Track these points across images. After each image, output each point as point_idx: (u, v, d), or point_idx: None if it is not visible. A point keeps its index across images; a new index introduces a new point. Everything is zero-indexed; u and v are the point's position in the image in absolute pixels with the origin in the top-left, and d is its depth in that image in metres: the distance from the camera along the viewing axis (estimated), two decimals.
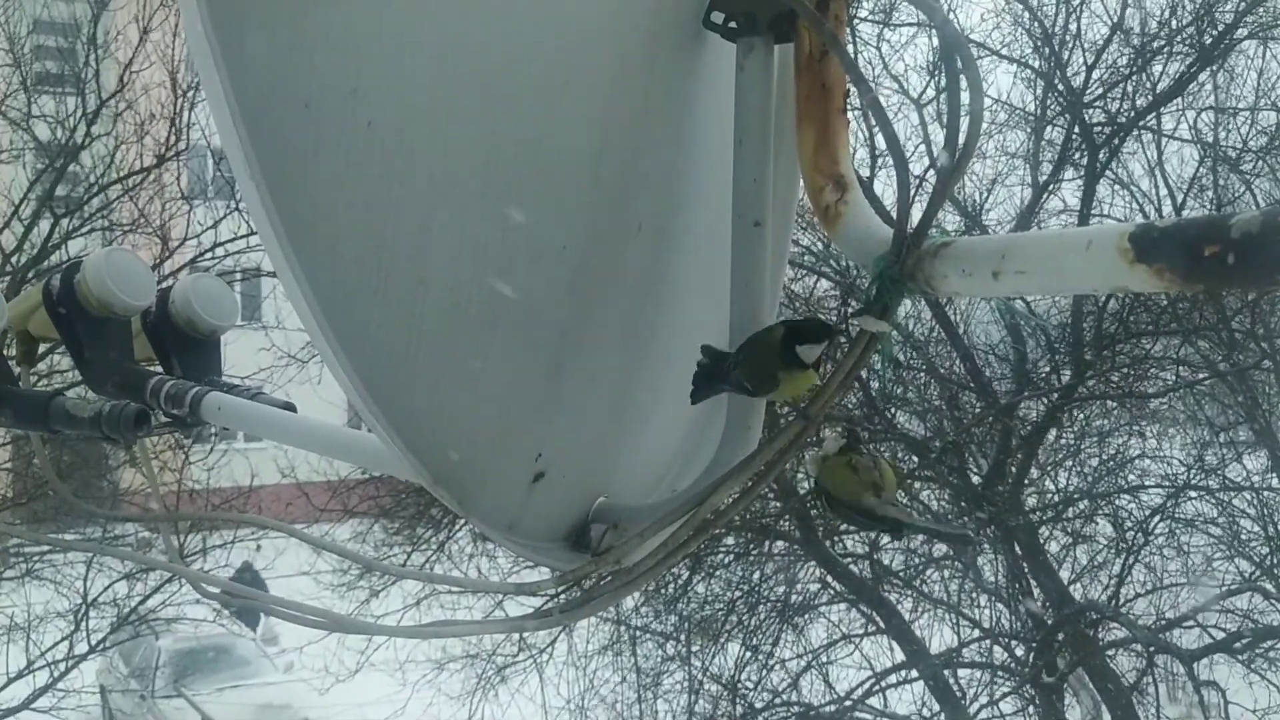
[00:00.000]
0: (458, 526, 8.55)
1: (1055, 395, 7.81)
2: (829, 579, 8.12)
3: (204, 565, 8.42)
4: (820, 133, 1.23)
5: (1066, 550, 8.39)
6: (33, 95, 8.36)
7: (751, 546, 8.37)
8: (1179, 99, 7.94)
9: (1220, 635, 7.68)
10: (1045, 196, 8.20)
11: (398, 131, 1.03)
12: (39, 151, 8.57)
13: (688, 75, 1.32)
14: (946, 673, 7.88)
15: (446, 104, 1.07)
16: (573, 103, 1.19)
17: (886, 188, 7.55)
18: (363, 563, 8.89)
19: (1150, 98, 7.89)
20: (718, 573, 8.59)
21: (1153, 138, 8.28)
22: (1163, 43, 7.82)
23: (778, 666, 8.40)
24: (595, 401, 1.32)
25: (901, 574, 8.26)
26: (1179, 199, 8.35)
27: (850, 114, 1.26)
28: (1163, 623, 8.01)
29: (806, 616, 8.59)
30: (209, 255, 8.50)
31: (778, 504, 7.82)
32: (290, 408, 1.47)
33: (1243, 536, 8.22)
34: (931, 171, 6.63)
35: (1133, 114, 7.91)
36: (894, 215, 1.12)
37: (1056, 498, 8.58)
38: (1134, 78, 7.90)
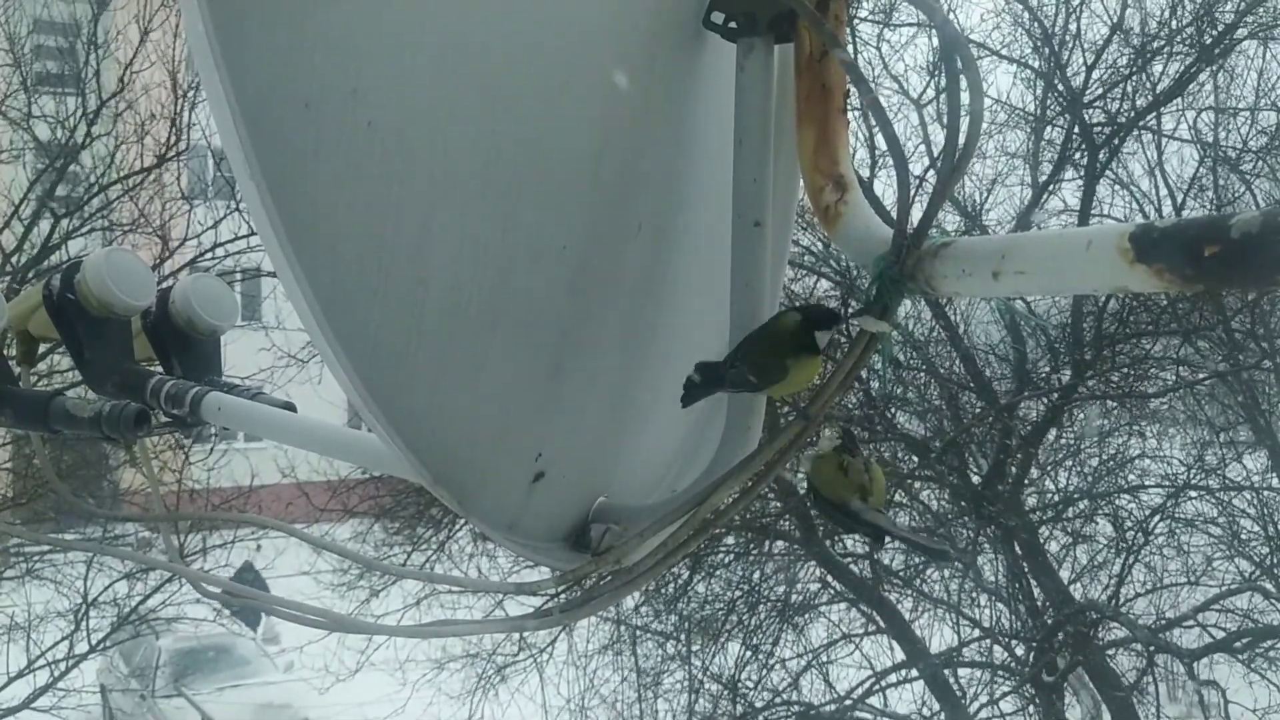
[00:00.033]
0: (458, 526, 8.55)
1: (1055, 395, 7.81)
2: (829, 579, 8.13)
3: (204, 565, 8.42)
4: (820, 133, 1.23)
5: (1066, 550, 8.40)
6: (33, 95, 8.36)
7: (751, 546, 8.37)
8: (1179, 99, 7.95)
9: (1220, 635, 7.68)
10: (1045, 196, 8.21)
11: (398, 131, 1.03)
12: (39, 151, 8.57)
13: (688, 75, 1.32)
14: (946, 672, 7.89)
15: (446, 104, 1.07)
16: (573, 103, 1.19)
17: (886, 188, 7.57)
18: (363, 563, 8.89)
19: (1150, 98, 7.90)
20: (718, 572, 8.59)
21: (1153, 138, 8.29)
22: (1163, 43, 7.82)
23: (778, 666, 8.41)
24: (595, 401, 1.32)
25: (901, 574, 8.26)
26: (1179, 199, 8.36)
27: (850, 114, 1.26)
28: (1163, 622, 8.01)
29: (806, 616, 8.59)
30: (209, 255, 8.50)
31: (778, 504, 7.82)
32: (290, 408, 1.47)
33: (1243, 536, 8.22)
34: (931, 171, 6.64)
35: (1133, 114, 7.91)
36: (894, 215, 1.12)
37: (1056, 498, 8.58)
38: (1134, 78, 7.90)
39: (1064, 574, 8.00)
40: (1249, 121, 8.26)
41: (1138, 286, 0.93)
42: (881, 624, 8.01)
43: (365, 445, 1.36)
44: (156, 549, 9.06)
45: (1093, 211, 7.80)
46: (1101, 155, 7.84)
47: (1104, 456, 8.62)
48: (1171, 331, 7.83)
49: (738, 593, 8.55)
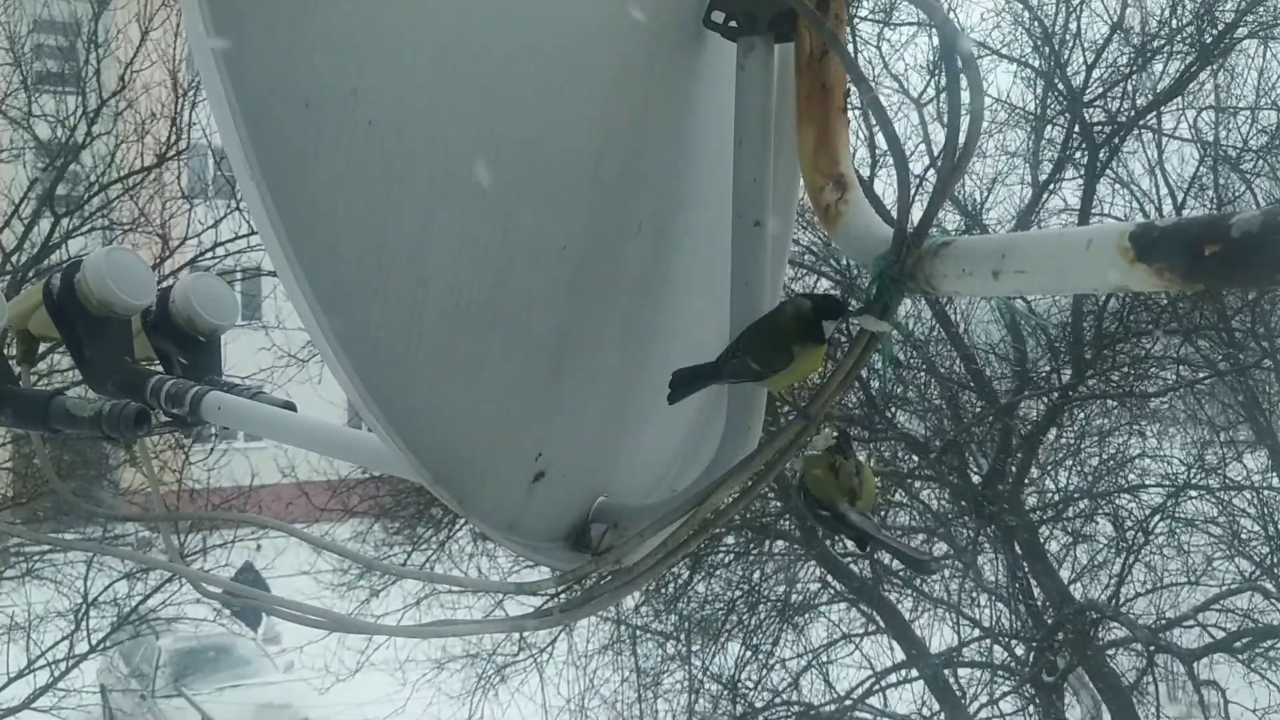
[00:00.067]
0: (458, 526, 8.55)
1: (1055, 395, 7.81)
2: (829, 579, 8.13)
3: (204, 565, 8.42)
4: (820, 132, 1.23)
5: (1066, 550, 8.40)
6: (33, 94, 8.37)
7: (751, 546, 8.37)
8: (1179, 98, 7.96)
9: (1220, 635, 7.68)
10: (1045, 196, 8.21)
11: (398, 131, 1.03)
12: (39, 150, 8.58)
13: (688, 75, 1.32)
14: (946, 672, 7.89)
15: (446, 104, 1.07)
16: (573, 103, 1.19)
17: (886, 187, 7.56)
18: (363, 562, 8.89)
19: (1150, 97, 7.90)
20: (718, 572, 8.59)
21: (1153, 137, 8.30)
22: (1163, 42, 7.83)
23: (778, 666, 8.41)
24: (595, 401, 1.32)
25: (901, 574, 8.26)
26: (1179, 198, 8.37)
27: (850, 114, 1.26)
28: (1163, 622, 8.01)
29: (806, 616, 8.59)
30: (209, 255, 8.51)
31: (778, 504, 7.82)
32: (290, 407, 1.46)
33: (1243, 536, 8.22)
34: (932, 170, 6.64)
35: (1133, 113, 7.91)
36: (894, 215, 1.12)
37: (1056, 497, 8.58)
38: (1134, 77, 7.91)
39: (1064, 574, 8.00)
40: (1249, 120, 8.28)
41: (1138, 286, 0.93)
42: (881, 624, 8.01)
43: (365, 445, 1.36)
44: (156, 549, 9.06)
45: (1093, 210, 7.81)
46: (1102, 154, 7.85)
47: (1104, 456, 8.62)
48: (1172, 331, 7.83)
49: (738, 593, 8.55)
